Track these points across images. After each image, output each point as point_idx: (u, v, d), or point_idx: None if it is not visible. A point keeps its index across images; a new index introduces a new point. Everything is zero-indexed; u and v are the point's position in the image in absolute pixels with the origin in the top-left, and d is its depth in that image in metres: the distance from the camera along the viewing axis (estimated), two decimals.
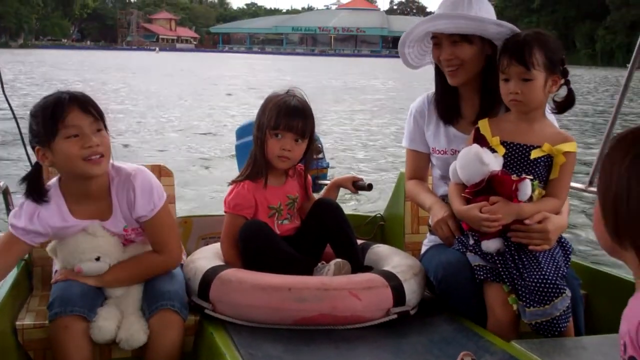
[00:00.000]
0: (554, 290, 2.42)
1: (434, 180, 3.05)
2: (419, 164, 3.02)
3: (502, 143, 2.63)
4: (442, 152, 2.91)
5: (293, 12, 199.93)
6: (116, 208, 2.52)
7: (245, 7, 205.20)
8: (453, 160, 2.70)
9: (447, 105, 2.90)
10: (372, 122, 18.08)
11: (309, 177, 2.99)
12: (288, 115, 2.74)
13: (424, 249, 3.00)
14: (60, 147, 2.36)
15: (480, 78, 2.80)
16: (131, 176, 2.51)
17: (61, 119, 2.34)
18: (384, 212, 3.64)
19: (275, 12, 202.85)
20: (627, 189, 1.25)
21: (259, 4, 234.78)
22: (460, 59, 2.74)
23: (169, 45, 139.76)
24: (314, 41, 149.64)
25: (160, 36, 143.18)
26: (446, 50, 2.76)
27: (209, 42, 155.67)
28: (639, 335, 1.23)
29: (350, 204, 6.28)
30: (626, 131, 1.35)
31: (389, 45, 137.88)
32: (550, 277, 2.43)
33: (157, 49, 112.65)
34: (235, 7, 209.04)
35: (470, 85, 2.84)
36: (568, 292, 2.46)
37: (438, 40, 2.78)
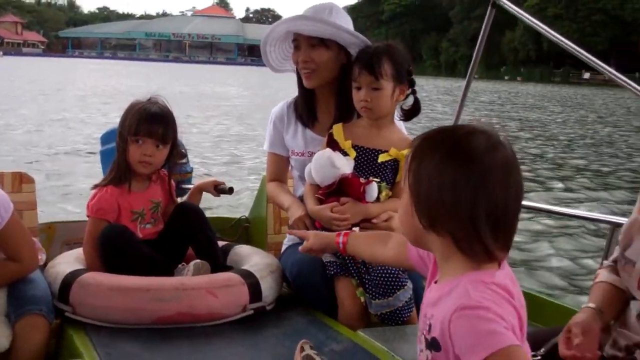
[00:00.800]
0: (396, 283, 2.63)
1: (294, 181, 3.21)
2: (279, 167, 3.18)
3: (354, 147, 2.82)
4: (300, 154, 3.08)
5: (147, 17, 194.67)
6: None
7: (96, 11, 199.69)
8: (310, 162, 2.86)
9: (305, 108, 3.07)
10: (233, 128, 18.10)
11: (172, 182, 3.08)
12: (148, 122, 2.82)
13: (283, 248, 3.15)
14: None
15: (336, 85, 2.98)
16: None
17: None
18: (249, 214, 3.78)
19: (128, 17, 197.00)
20: (439, 185, 1.36)
21: (112, 8, 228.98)
22: (316, 63, 2.91)
23: (15, 49, 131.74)
24: (168, 47, 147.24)
25: (6, 40, 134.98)
26: (304, 53, 2.92)
27: (58, 47, 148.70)
28: (451, 324, 1.34)
29: (218, 208, 6.39)
30: (432, 131, 1.47)
31: (244, 53, 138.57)
32: (392, 271, 2.63)
33: (1, 52, 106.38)
34: (86, 11, 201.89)
35: (326, 91, 3.02)
36: (410, 284, 2.67)
37: (298, 43, 2.95)
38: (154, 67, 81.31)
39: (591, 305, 2.01)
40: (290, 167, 3.20)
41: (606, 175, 12.74)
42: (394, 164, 2.81)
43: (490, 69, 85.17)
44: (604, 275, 2.06)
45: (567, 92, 51.11)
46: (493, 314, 1.30)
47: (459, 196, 1.34)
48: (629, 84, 2.74)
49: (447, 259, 1.43)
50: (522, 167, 1.55)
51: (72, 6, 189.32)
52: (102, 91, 30.01)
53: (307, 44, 2.92)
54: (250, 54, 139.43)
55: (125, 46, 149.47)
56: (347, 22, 2.96)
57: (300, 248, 2.52)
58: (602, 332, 1.97)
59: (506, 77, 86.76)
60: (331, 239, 2.42)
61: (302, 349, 2.02)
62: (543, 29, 3.05)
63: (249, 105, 24.16)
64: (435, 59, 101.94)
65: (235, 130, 17.56)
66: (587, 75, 75.47)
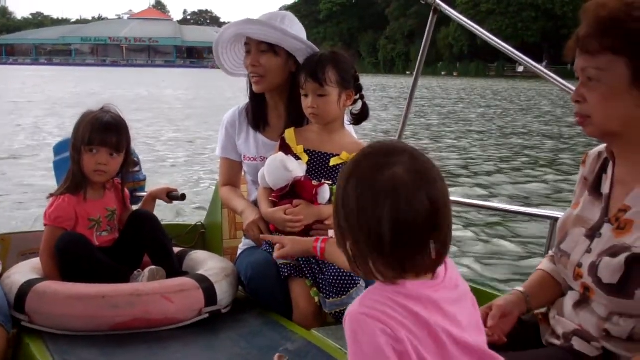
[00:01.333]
0: (349, 282, 2.70)
1: (248, 186, 3.26)
2: (232, 171, 3.23)
3: (306, 151, 2.88)
4: (252, 159, 3.13)
5: (82, 21, 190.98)
6: None
7: (30, 16, 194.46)
8: (262, 167, 2.92)
9: (255, 112, 3.14)
10: (182, 132, 18.00)
11: (126, 190, 3.11)
12: (102, 131, 2.85)
13: (239, 252, 3.20)
14: None
15: (287, 91, 3.04)
16: None
17: None
18: (205, 220, 3.82)
19: (63, 22, 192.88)
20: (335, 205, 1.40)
21: (46, 13, 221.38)
22: (264, 68, 2.97)
23: None
24: (105, 52, 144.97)
25: None
26: (253, 57, 2.98)
27: None
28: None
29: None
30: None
31: (183, 55, 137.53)
32: (345, 271, 2.70)
33: None
34: (19, 17, 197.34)
35: (277, 96, 3.08)
36: (362, 283, 2.74)
37: (249, 47, 3.01)
38: (91, 72, 79.72)
39: (520, 289, 2.11)
40: (243, 172, 3.25)
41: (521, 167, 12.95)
42: None
43: (427, 65, 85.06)
44: (544, 264, 2.17)
45: (502, 86, 51.95)
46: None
47: (343, 217, 1.39)
48: (552, 78, 2.87)
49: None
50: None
51: (4, 12, 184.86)
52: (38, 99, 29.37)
53: (257, 48, 2.98)
54: (190, 56, 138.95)
55: (61, 52, 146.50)
56: (299, 32, 3.02)
57: (275, 255, 2.59)
58: (525, 317, 2.07)
59: (443, 73, 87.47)
60: (309, 244, 2.49)
61: None
62: (479, 31, 3.19)
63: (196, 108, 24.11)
64: (374, 56, 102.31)
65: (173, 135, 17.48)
66: (520, 68, 76.81)
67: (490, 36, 3.11)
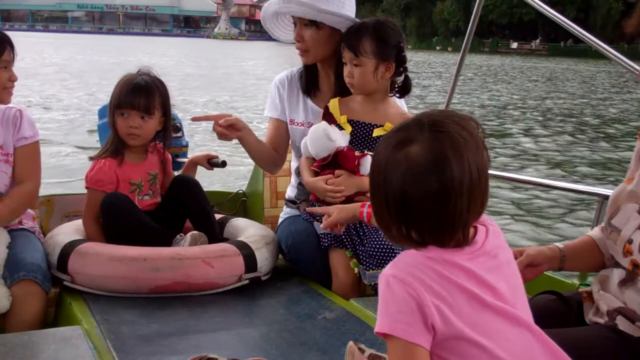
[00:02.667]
0: (389, 254, 2.67)
1: (293, 153, 3.24)
2: (277, 133, 3.18)
3: (349, 121, 2.85)
4: (299, 124, 3.11)
5: None
6: None
7: None
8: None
9: (307, 78, 3.12)
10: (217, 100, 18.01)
11: (168, 154, 3.12)
12: (130, 94, 2.86)
13: (279, 221, 3.20)
14: None
15: (336, 62, 3.00)
16: (16, 108, 2.79)
17: (0, 52, 2.63)
18: (246, 188, 3.82)
19: None
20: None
21: None
22: (308, 42, 2.95)
23: None
24: (102, 19, 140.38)
25: None
26: (297, 32, 2.98)
27: None
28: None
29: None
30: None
31: (180, 24, 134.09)
32: (386, 243, 2.67)
33: None
34: None
35: (326, 65, 3.06)
36: None
37: (295, 20, 3.00)
38: (89, 39, 77.14)
39: (559, 245, 2.09)
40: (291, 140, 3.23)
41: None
42: None
43: (423, 40, 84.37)
44: (594, 231, 2.13)
45: (494, 62, 51.17)
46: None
47: (382, 188, 1.43)
48: (620, 59, 2.79)
49: None
50: None
51: None
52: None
53: (300, 23, 2.96)
54: (187, 25, 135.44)
55: (57, 18, 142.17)
56: (341, 4, 2.96)
57: (323, 225, 2.58)
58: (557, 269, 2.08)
59: (438, 48, 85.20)
60: (355, 210, 2.47)
61: (361, 350, 1.92)
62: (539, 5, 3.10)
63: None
64: None
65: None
66: (514, 45, 75.67)
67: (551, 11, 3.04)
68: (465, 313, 1.34)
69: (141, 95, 2.86)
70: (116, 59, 34.71)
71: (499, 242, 1.47)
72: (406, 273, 1.34)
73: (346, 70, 2.79)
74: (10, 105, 2.79)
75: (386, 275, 1.36)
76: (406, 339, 1.31)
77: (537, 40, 77.43)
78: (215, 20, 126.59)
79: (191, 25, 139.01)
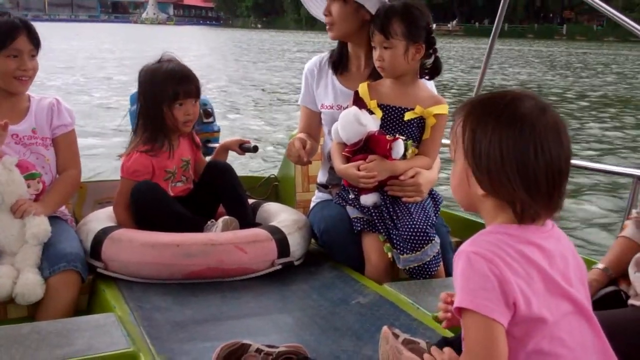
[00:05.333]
0: (424, 237, 2.64)
1: (325, 138, 3.22)
2: (308, 121, 3.19)
3: (379, 106, 2.82)
4: (329, 107, 3.09)
5: None
6: (31, 114, 2.80)
7: None
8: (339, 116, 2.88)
9: (337, 56, 3.12)
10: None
11: (197, 138, 3.11)
12: (184, 82, 2.87)
13: (311, 205, 3.18)
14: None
15: (366, 43, 2.97)
16: (53, 97, 2.90)
17: (10, 39, 2.67)
18: (278, 173, 3.81)
19: None
20: (499, 151, 1.38)
21: None
22: (333, 16, 2.97)
23: None
24: (27, 6, 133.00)
25: None
26: (326, 6, 3.01)
27: None
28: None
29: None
30: (480, 98, 1.49)
31: (108, 10, 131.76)
32: (420, 226, 2.64)
33: None
34: None
35: (357, 46, 3.05)
36: (437, 239, 2.68)
37: None
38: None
39: (600, 266, 2.12)
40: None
41: None
42: (420, 121, 2.81)
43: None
44: (627, 230, 2.09)
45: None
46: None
47: (518, 160, 1.37)
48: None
49: (494, 218, 1.47)
50: None
51: None
52: None
53: None
54: (115, 10, 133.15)
55: None
56: None
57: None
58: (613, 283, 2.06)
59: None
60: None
61: (395, 335, 1.93)
62: None
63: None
64: (297, 12, 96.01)
65: None
66: (434, 26, 77.89)
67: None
68: (541, 295, 1.36)
69: (191, 81, 2.90)
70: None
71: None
72: (487, 250, 1.36)
73: (376, 54, 2.76)
74: (45, 96, 2.88)
75: (466, 252, 1.37)
76: (487, 314, 1.32)
77: (454, 22, 78.81)
78: (143, 5, 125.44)
79: (119, 10, 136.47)
